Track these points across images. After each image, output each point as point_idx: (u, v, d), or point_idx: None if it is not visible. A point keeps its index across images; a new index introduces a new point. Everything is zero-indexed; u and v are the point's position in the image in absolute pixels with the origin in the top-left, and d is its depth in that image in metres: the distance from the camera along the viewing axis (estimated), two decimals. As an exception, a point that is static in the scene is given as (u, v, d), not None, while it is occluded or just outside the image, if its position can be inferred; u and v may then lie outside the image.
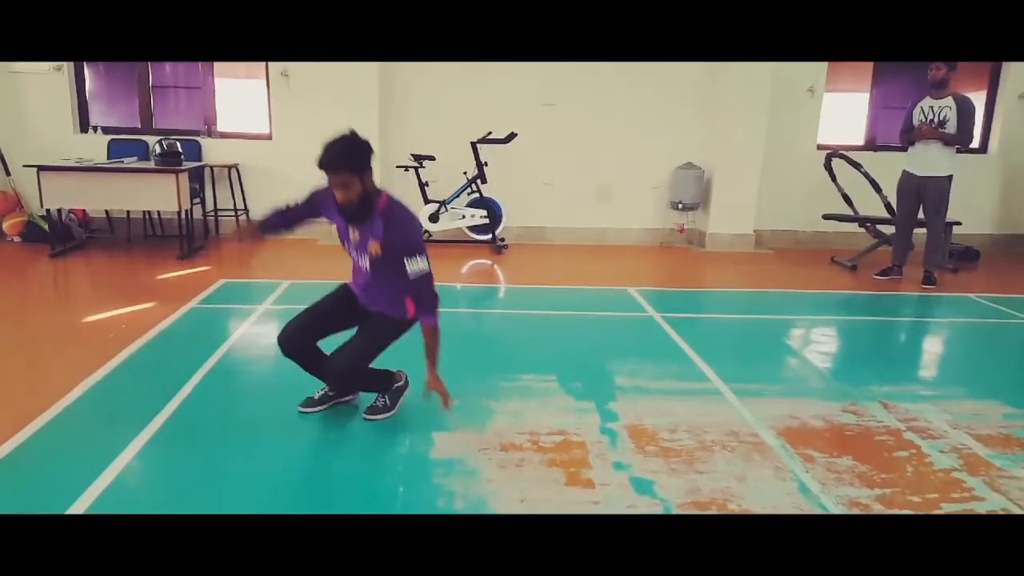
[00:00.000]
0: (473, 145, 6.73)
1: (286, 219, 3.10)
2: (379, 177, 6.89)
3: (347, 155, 2.62)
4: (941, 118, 5.60)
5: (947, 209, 5.88)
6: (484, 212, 6.82)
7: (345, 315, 3.00)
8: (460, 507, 2.40)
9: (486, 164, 6.80)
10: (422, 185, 6.81)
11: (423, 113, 7.09)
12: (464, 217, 6.88)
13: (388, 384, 3.04)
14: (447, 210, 6.82)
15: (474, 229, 7.01)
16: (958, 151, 5.75)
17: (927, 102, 5.70)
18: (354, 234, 2.82)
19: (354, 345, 2.89)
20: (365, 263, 2.85)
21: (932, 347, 4.74)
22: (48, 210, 6.12)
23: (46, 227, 6.37)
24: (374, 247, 2.77)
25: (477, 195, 6.88)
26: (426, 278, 2.76)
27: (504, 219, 7.03)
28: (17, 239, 6.61)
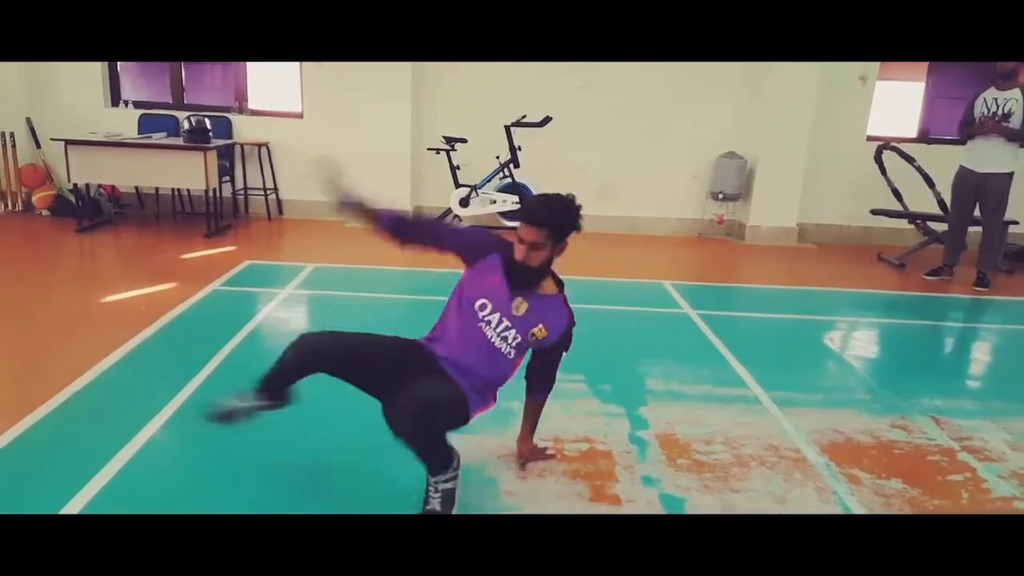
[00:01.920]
0: (507, 128, 6.53)
1: (408, 228, 2.44)
2: (411, 159, 6.83)
3: (554, 213, 2.19)
4: (1006, 111, 5.25)
5: (1006, 208, 5.54)
6: (516, 198, 6.62)
7: (394, 365, 2.23)
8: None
9: (519, 148, 6.59)
10: (453, 168, 6.63)
11: (456, 94, 6.90)
12: (495, 202, 6.69)
13: (448, 460, 2.21)
14: (478, 195, 6.64)
15: (505, 215, 6.82)
16: (1021, 146, 5.40)
17: (991, 93, 5.34)
18: (520, 306, 2.26)
19: (421, 387, 2.12)
20: (507, 347, 2.27)
21: (986, 356, 4.45)
22: (76, 184, 6.07)
23: (75, 201, 6.33)
24: (541, 331, 2.30)
25: (509, 180, 6.69)
26: (558, 365, 2.45)
27: (536, 206, 6.82)
28: (46, 212, 6.58)
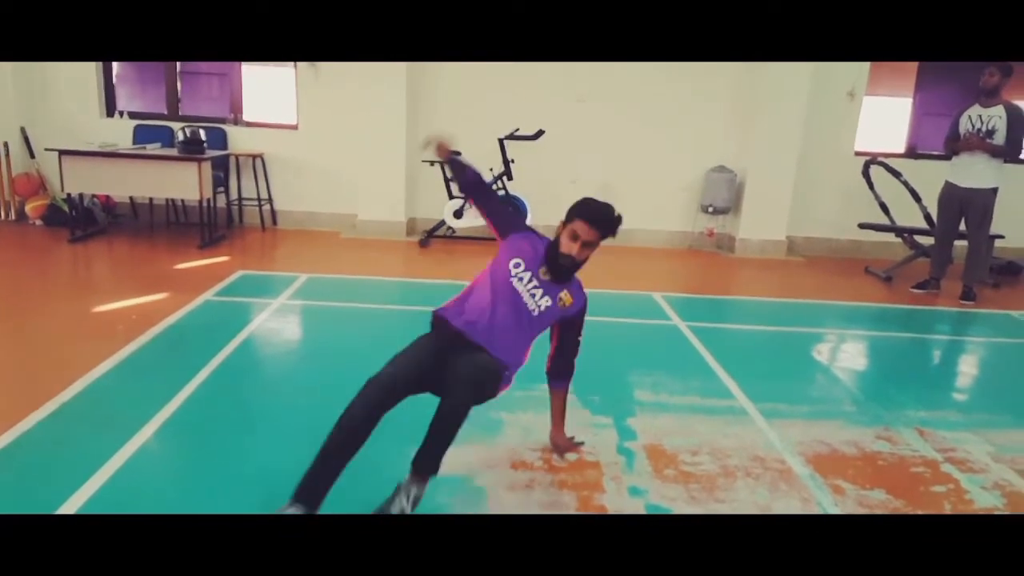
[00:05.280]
0: (500, 141, 6.59)
1: (481, 189, 2.65)
2: (405, 171, 6.88)
3: (612, 221, 2.42)
4: (989, 127, 5.34)
5: (991, 223, 5.62)
6: (509, 210, 6.67)
7: (435, 364, 2.33)
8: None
9: (513, 161, 6.65)
10: (447, 180, 6.68)
11: (451, 107, 6.97)
12: (488, 214, 6.73)
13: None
14: (472, 206, 6.68)
15: (497, 227, 6.86)
16: (1005, 162, 5.48)
17: (975, 110, 5.44)
18: (547, 273, 2.48)
19: (476, 362, 2.30)
20: (534, 304, 2.45)
21: (971, 369, 4.51)
22: (69, 194, 6.09)
23: (68, 211, 6.34)
24: (567, 297, 2.51)
25: (503, 192, 6.74)
26: (578, 349, 2.68)
27: (530, 217, 6.88)
28: (39, 222, 6.60)
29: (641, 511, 2.45)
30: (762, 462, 2.84)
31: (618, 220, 2.43)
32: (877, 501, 2.61)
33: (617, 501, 2.50)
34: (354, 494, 2.44)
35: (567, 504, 2.46)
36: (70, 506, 2.28)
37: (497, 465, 2.66)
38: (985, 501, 2.67)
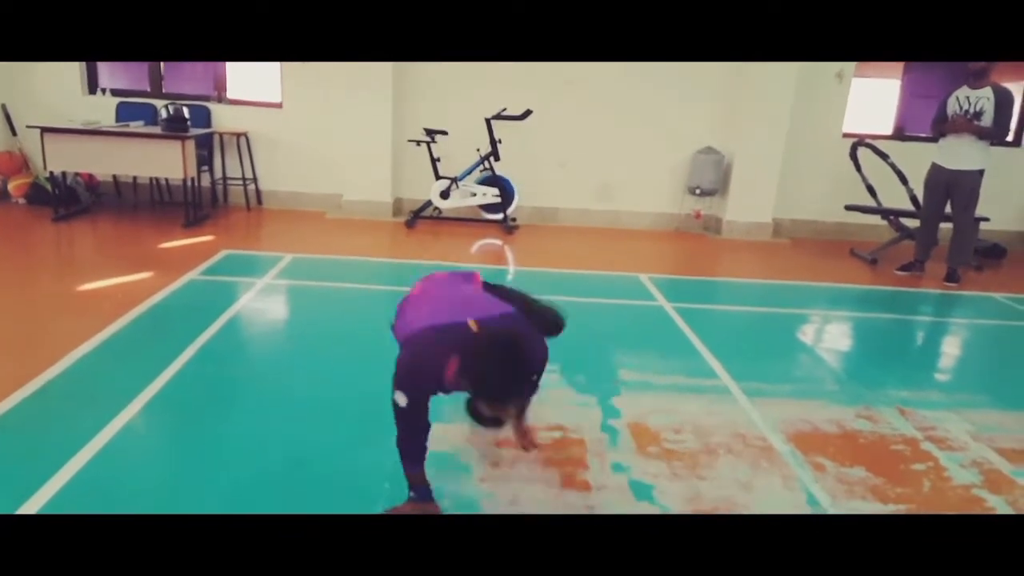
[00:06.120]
0: (487, 121, 6.55)
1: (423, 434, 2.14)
2: (391, 151, 6.83)
3: (535, 380, 1.93)
4: (977, 109, 5.35)
5: (976, 205, 5.65)
6: (496, 191, 6.65)
7: None
8: (447, 507, 2.27)
9: (500, 141, 6.62)
10: (434, 160, 6.65)
11: (437, 87, 6.91)
12: (475, 195, 6.72)
13: None
14: (458, 187, 6.66)
15: (485, 208, 6.85)
16: (991, 144, 5.51)
17: (963, 92, 5.45)
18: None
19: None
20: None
21: (953, 350, 4.55)
22: (52, 172, 6.02)
23: (52, 189, 6.27)
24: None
25: (489, 173, 6.71)
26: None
27: (516, 198, 6.87)
28: (22, 201, 6.53)
29: (624, 486, 2.47)
30: (744, 440, 2.87)
31: (537, 371, 1.92)
32: (857, 478, 2.64)
33: (600, 477, 2.52)
34: (335, 489, 2.44)
35: (551, 480, 2.48)
36: (54, 484, 2.27)
37: (482, 442, 2.67)
38: (963, 478, 2.71)
